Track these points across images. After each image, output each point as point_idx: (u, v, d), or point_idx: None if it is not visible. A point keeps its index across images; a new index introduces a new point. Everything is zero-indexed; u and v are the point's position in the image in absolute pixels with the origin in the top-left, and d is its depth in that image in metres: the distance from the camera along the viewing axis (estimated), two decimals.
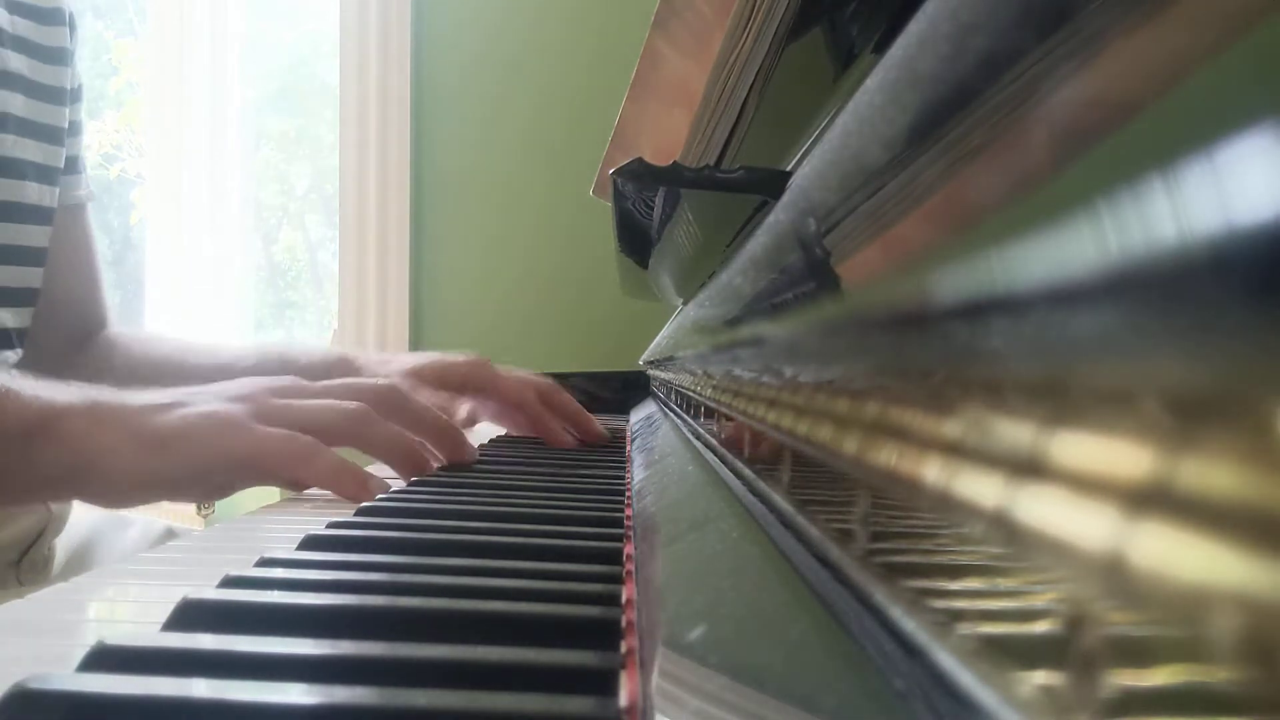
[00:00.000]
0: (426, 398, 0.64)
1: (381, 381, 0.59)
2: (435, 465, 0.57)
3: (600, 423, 0.80)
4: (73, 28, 0.83)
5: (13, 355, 0.76)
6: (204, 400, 0.52)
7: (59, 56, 0.81)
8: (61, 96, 0.81)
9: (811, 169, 0.28)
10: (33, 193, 0.78)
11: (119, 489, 0.51)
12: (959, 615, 0.12)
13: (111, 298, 0.91)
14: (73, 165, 0.84)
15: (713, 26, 0.69)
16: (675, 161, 0.46)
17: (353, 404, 0.53)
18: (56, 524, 0.79)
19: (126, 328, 0.92)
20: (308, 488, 0.53)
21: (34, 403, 0.50)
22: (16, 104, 0.76)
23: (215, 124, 2.07)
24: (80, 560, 0.80)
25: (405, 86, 1.72)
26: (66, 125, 0.82)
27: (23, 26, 0.78)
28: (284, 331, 2.43)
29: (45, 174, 0.79)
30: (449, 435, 0.58)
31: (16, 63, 0.77)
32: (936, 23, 0.18)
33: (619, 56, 1.07)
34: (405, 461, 0.55)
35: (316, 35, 2.31)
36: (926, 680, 0.13)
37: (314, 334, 2.36)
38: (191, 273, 2.07)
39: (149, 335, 0.93)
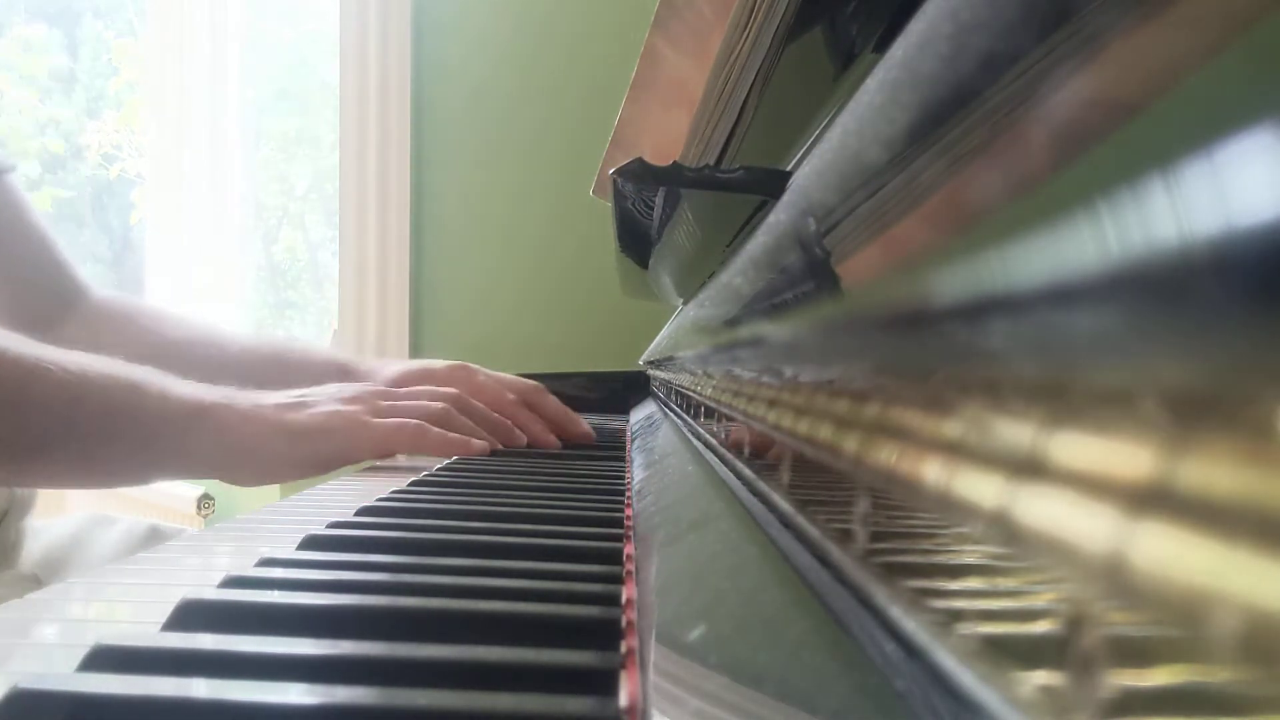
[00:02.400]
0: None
1: (452, 390, 0.73)
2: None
3: (587, 423, 0.82)
4: None
5: None
6: (325, 402, 0.66)
7: None
8: None
9: (811, 169, 0.28)
10: None
11: (262, 470, 0.64)
12: (959, 615, 0.12)
13: (79, 263, 0.86)
14: None
15: (713, 26, 0.69)
16: (675, 161, 0.46)
17: (438, 404, 0.69)
18: (21, 507, 0.78)
19: (118, 297, 0.89)
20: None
21: (190, 396, 0.61)
22: None
23: (215, 124, 2.07)
24: (62, 558, 0.80)
25: (405, 86, 1.72)
26: None
27: None
28: (284, 331, 2.43)
29: None
30: (502, 428, 0.73)
31: None
32: (936, 23, 0.18)
33: (619, 56, 1.07)
34: (473, 453, 0.69)
35: (316, 35, 2.31)
36: (926, 680, 0.13)
37: (314, 334, 2.36)
38: (191, 273, 2.07)
39: (150, 312, 0.90)
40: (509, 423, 0.73)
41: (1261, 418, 0.07)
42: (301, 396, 0.67)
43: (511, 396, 0.79)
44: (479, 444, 0.67)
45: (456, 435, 0.67)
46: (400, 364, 0.84)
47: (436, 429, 0.66)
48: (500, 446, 0.71)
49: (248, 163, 2.24)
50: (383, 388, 0.72)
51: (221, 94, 2.08)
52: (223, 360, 0.81)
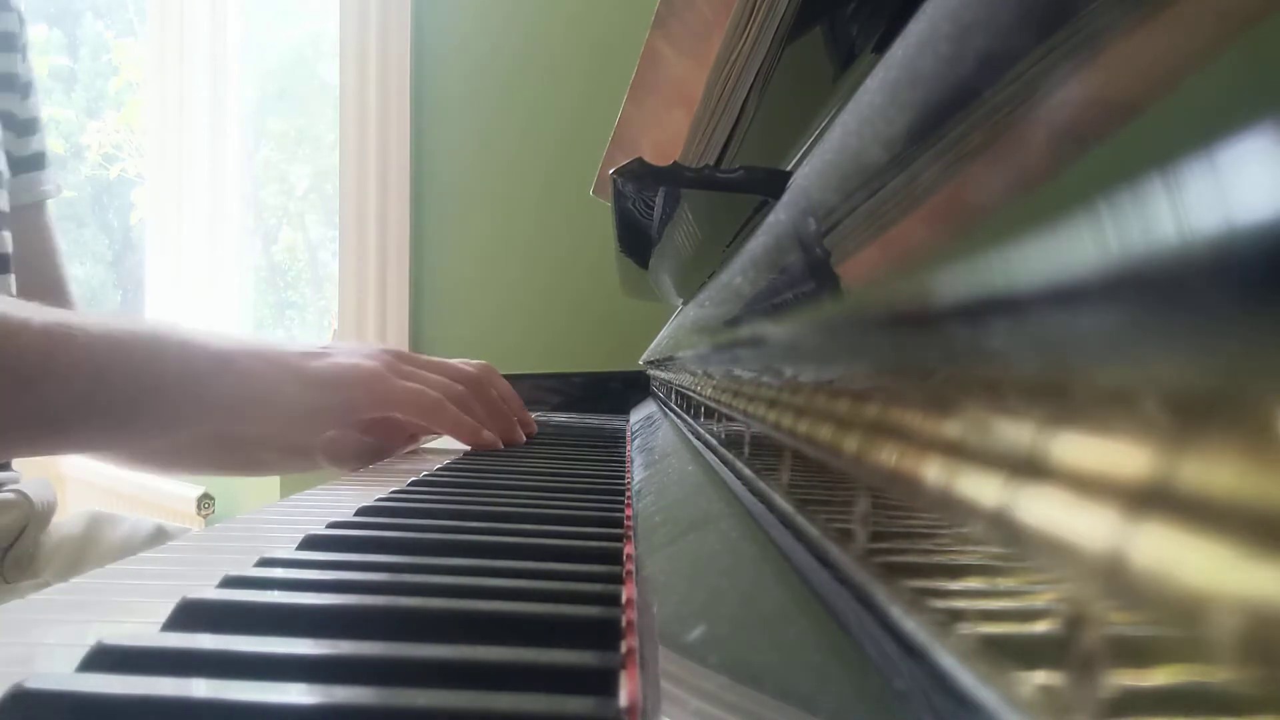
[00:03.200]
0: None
1: (474, 374, 0.72)
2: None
3: (530, 419, 0.80)
4: (21, 19, 0.83)
5: None
6: (347, 354, 0.66)
7: (8, 43, 0.81)
8: (12, 83, 0.81)
9: (811, 169, 0.28)
10: None
11: (288, 418, 0.64)
12: (959, 615, 0.12)
13: (110, 295, 0.91)
14: (37, 161, 0.84)
15: (713, 26, 0.69)
16: (675, 161, 0.46)
17: (460, 387, 0.69)
18: (41, 520, 0.79)
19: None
20: (428, 433, 0.70)
21: (211, 342, 0.62)
22: None
23: (215, 124, 2.07)
24: (70, 559, 0.80)
25: (405, 86, 1.72)
26: (20, 113, 0.81)
27: None
28: (284, 331, 2.43)
29: (10, 164, 0.79)
30: (506, 426, 0.72)
31: None
32: (936, 23, 0.18)
33: (619, 57, 1.07)
34: (480, 444, 0.69)
35: (316, 35, 2.31)
36: (926, 680, 0.13)
37: (314, 334, 2.36)
38: (191, 273, 2.07)
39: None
40: (515, 421, 0.73)
41: (1261, 417, 0.07)
42: (325, 348, 0.66)
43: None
44: (489, 435, 0.67)
45: (470, 420, 0.67)
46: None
47: (452, 407, 0.66)
48: (500, 446, 0.71)
49: (248, 163, 2.24)
50: (405, 351, 0.72)
51: (221, 94, 2.08)
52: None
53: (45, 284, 0.86)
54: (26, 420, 0.57)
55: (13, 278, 0.79)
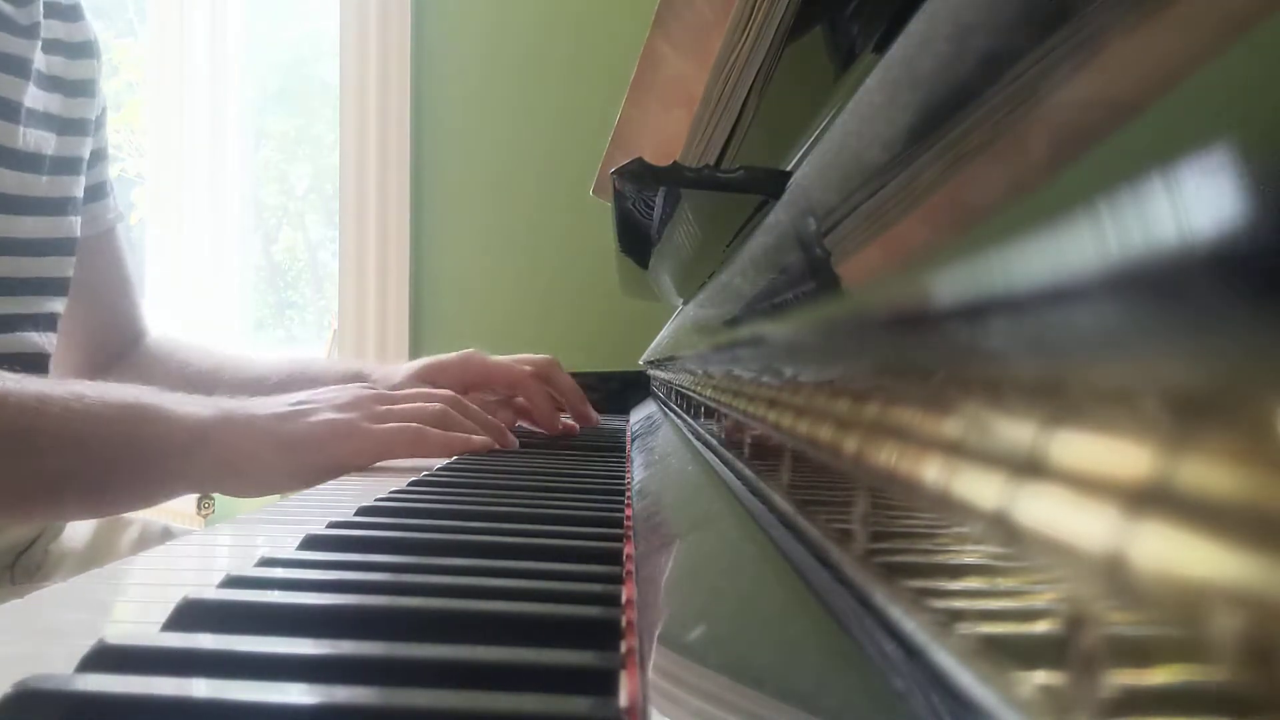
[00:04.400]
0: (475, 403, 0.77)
1: (448, 392, 0.73)
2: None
3: (595, 412, 0.86)
4: (98, 56, 0.84)
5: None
6: (321, 410, 0.65)
7: (87, 89, 0.83)
8: (86, 128, 0.83)
9: (811, 169, 0.28)
10: (70, 226, 0.80)
11: (266, 484, 0.64)
12: (959, 615, 0.12)
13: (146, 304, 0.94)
14: (100, 191, 0.87)
15: (713, 26, 0.69)
16: (675, 161, 0.46)
17: (436, 405, 0.68)
18: (53, 530, 0.79)
19: (165, 335, 0.97)
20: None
21: (189, 418, 0.62)
22: (50, 144, 0.78)
23: (215, 124, 2.07)
24: (81, 561, 0.80)
25: (405, 86, 1.72)
26: (88, 155, 0.83)
27: (57, 65, 0.79)
28: (284, 331, 2.43)
29: (77, 206, 0.81)
30: (495, 430, 0.71)
31: (52, 103, 0.78)
32: (936, 23, 0.18)
33: (618, 56, 1.07)
34: (472, 450, 0.68)
35: (316, 35, 2.31)
36: (926, 680, 0.13)
37: (314, 334, 2.36)
38: (191, 273, 2.07)
39: (187, 346, 0.97)
40: (502, 425, 0.73)
41: (1261, 417, 0.07)
42: (298, 404, 0.66)
43: (528, 369, 0.81)
44: (480, 439, 0.67)
45: (456, 434, 0.66)
46: (412, 363, 0.86)
47: (435, 430, 0.66)
48: (496, 447, 0.71)
49: (248, 163, 2.24)
50: (381, 391, 0.71)
51: (221, 94, 2.08)
52: (245, 380, 0.86)
53: (118, 311, 0.90)
54: (2, 492, 0.58)
55: (63, 301, 0.81)
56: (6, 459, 0.57)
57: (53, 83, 0.79)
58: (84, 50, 0.82)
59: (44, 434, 0.58)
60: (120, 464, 0.60)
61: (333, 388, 0.70)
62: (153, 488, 0.64)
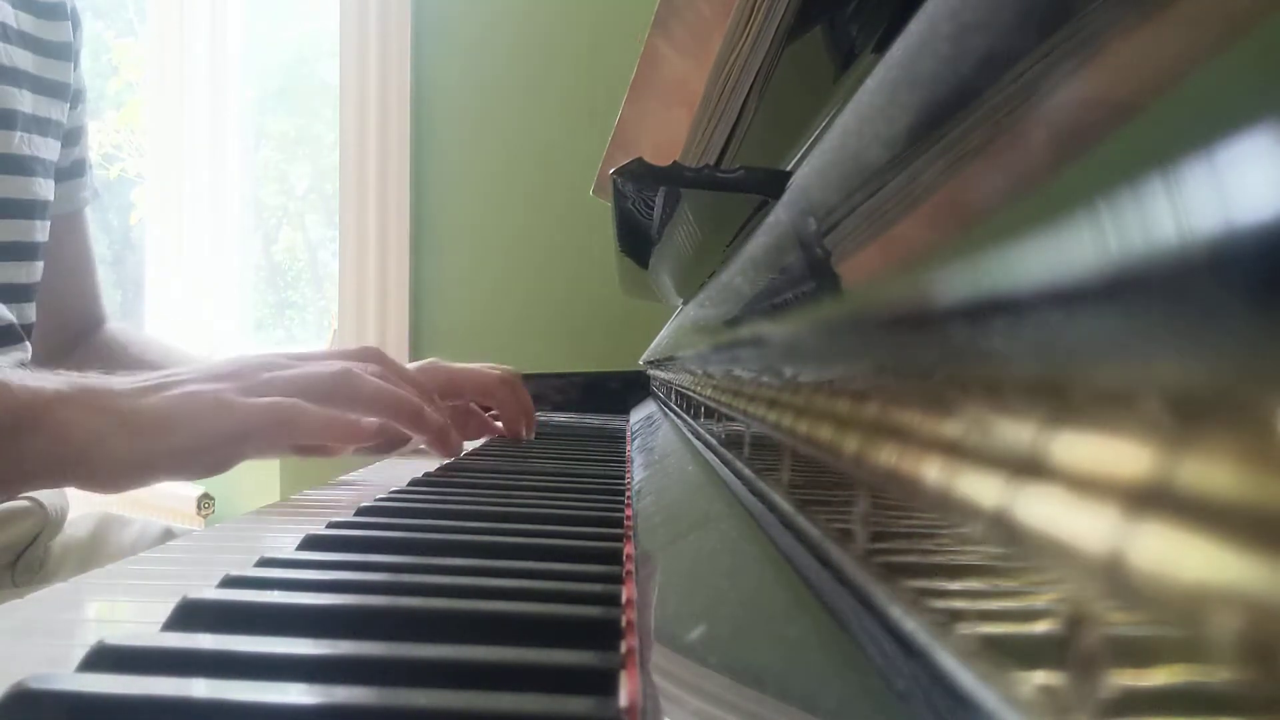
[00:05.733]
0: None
1: (359, 346, 0.59)
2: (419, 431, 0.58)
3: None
4: (76, 24, 0.84)
5: (21, 352, 0.76)
6: (188, 380, 0.52)
7: (63, 52, 0.82)
8: (65, 92, 0.82)
9: (811, 169, 0.28)
10: (40, 188, 0.78)
11: (111, 474, 0.51)
12: (959, 615, 0.12)
13: (110, 295, 0.93)
14: (78, 169, 0.85)
15: (713, 26, 0.69)
16: (675, 161, 0.46)
17: (335, 364, 0.54)
18: (53, 527, 0.79)
19: (123, 324, 0.94)
20: (312, 452, 0.53)
21: (22, 394, 0.50)
22: (25, 101, 0.77)
23: (215, 124, 2.07)
24: (79, 561, 0.80)
25: (405, 86, 1.72)
26: (68, 123, 0.82)
27: (27, 22, 0.79)
28: (284, 332, 2.43)
29: (49, 169, 0.80)
30: (407, 410, 0.57)
31: (23, 59, 0.77)
32: (936, 23, 0.18)
33: (619, 56, 1.07)
34: (398, 411, 0.55)
35: (316, 35, 2.31)
36: (926, 680, 0.13)
37: (314, 334, 2.36)
38: (191, 273, 2.07)
39: (144, 338, 0.95)
40: (420, 405, 0.58)
41: (1261, 418, 0.07)
42: (166, 376, 0.54)
43: (496, 373, 0.75)
44: (369, 423, 0.54)
45: (340, 415, 0.52)
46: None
47: (314, 409, 0.52)
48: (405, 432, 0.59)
49: (248, 163, 2.24)
50: (282, 357, 0.57)
51: (221, 94, 2.08)
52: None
53: (81, 293, 0.88)
54: None
55: (40, 265, 0.79)
56: None
57: (22, 38, 0.78)
58: (55, 11, 0.81)
59: None
60: None
61: (230, 358, 0.58)
62: None
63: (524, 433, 0.78)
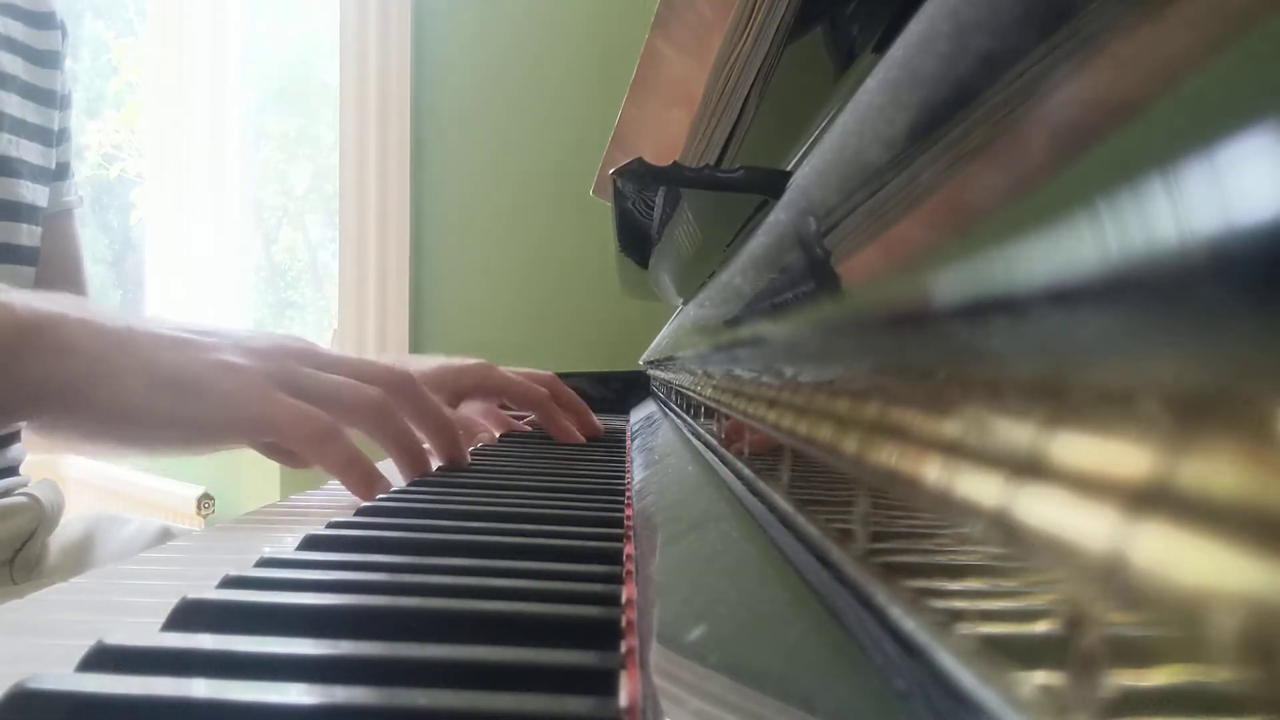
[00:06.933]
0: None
1: (398, 367, 0.56)
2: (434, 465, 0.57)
3: (599, 420, 0.85)
4: (64, 33, 0.85)
5: None
6: (225, 348, 0.49)
7: (51, 60, 0.83)
8: (53, 99, 0.83)
9: (812, 169, 0.28)
10: (27, 192, 0.79)
11: (113, 422, 0.46)
12: (959, 615, 0.12)
13: (110, 295, 0.94)
14: (63, 171, 0.86)
15: (713, 26, 0.69)
16: (675, 161, 0.46)
17: (375, 390, 0.51)
18: (50, 523, 0.79)
19: None
20: (311, 467, 0.51)
21: (23, 308, 0.45)
22: (12, 104, 0.78)
23: (215, 124, 2.07)
24: (76, 559, 0.80)
25: (405, 86, 1.73)
26: (56, 129, 0.84)
27: (15, 29, 0.80)
28: (283, 332, 2.43)
29: (39, 174, 0.81)
30: (449, 434, 0.58)
31: (10, 64, 0.78)
32: (936, 22, 0.18)
33: (618, 56, 1.07)
34: (411, 462, 0.54)
35: (316, 35, 2.31)
36: (926, 680, 0.13)
37: (314, 334, 2.36)
38: (192, 273, 2.07)
39: None
40: (456, 429, 0.58)
41: (1261, 418, 0.07)
42: (204, 334, 0.49)
43: (544, 390, 0.79)
44: (379, 480, 0.50)
45: (359, 462, 0.49)
46: (421, 361, 0.81)
47: (345, 440, 0.48)
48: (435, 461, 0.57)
49: (248, 163, 2.24)
50: (314, 350, 0.53)
51: (221, 94, 2.08)
52: None
53: (71, 288, 0.88)
54: None
55: (33, 270, 0.80)
56: None
57: (11, 45, 0.79)
58: (45, 21, 0.83)
59: None
60: None
61: (263, 332, 0.53)
62: None
63: (580, 438, 0.79)
